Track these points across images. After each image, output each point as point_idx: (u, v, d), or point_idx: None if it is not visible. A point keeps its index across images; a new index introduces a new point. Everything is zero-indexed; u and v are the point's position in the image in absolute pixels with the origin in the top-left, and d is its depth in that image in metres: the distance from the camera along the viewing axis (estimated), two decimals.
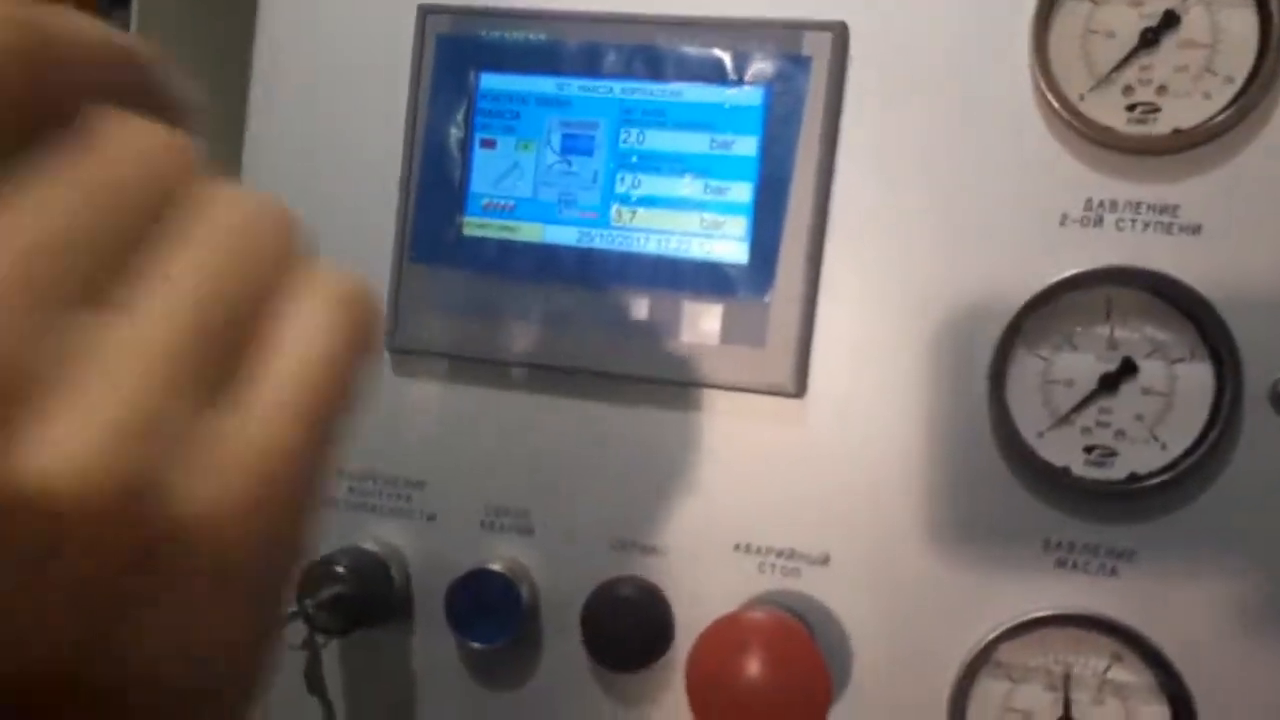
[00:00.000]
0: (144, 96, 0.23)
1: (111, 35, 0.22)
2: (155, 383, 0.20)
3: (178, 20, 0.61)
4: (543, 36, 0.46)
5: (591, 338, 0.46)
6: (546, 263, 0.46)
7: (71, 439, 0.19)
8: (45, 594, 0.19)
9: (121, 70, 0.23)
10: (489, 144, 0.47)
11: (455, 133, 0.47)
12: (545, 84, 0.47)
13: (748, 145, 0.44)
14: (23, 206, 0.20)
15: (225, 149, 0.52)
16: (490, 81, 0.47)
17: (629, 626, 0.45)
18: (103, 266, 0.20)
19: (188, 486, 0.20)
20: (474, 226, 0.47)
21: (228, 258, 0.21)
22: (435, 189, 0.47)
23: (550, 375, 0.46)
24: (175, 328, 0.20)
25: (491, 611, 0.46)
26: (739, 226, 0.44)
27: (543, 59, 0.46)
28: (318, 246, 0.24)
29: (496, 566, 0.46)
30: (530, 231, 0.47)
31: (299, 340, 0.22)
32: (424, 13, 0.47)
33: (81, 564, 0.19)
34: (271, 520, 0.22)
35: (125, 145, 0.21)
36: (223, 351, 0.21)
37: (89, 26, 0.22)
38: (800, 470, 0.44)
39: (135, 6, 0.59)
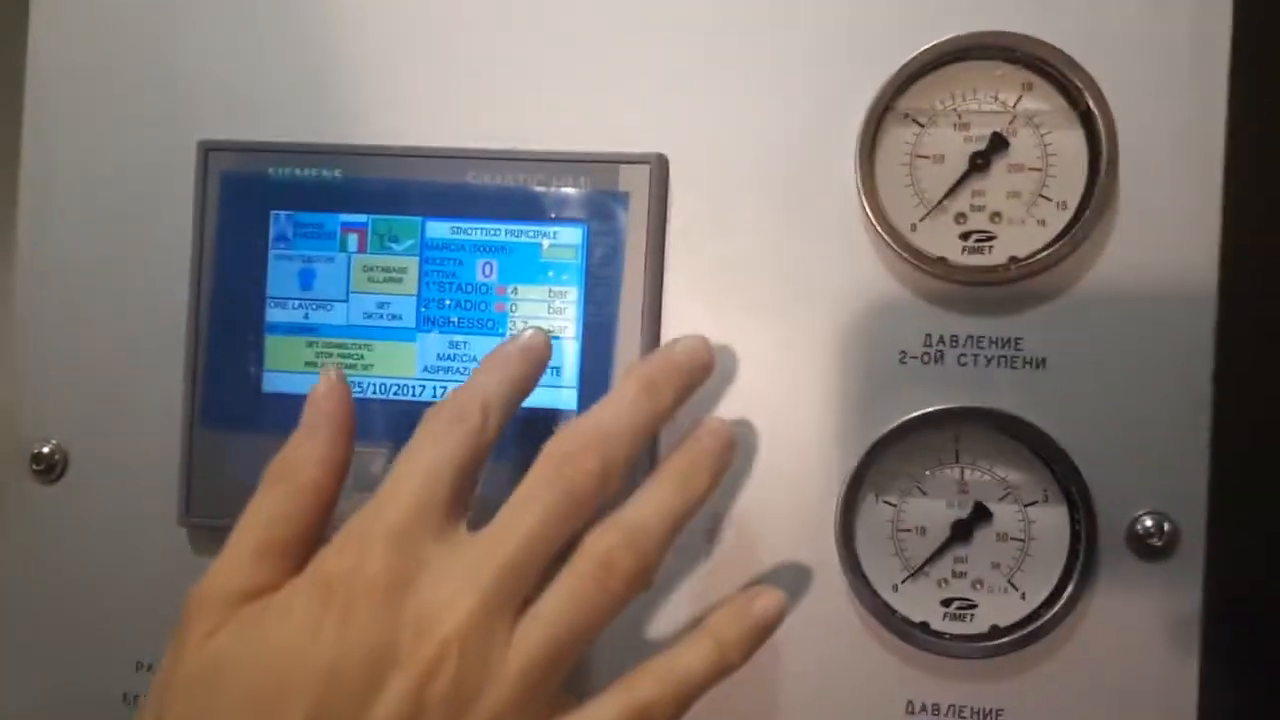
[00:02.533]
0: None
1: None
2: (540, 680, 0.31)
3: None
4: (338, 174, 0.42)
5: None
6: (359, 419, 0.42)
7: None
8: None
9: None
10: None
11: (248, 279, 0.42)
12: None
13: (569, 287, 0.41)
14: (505, 528, 0.32)
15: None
16: (284, 224, 0.42)
17: None
18: (532, 582, 0.32)
19: (511, 652, 0.32)
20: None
21: (596, 595, 0.32)
22: (228, 343, 0.42)
23: None
24: (548, 649, 0.31)
25: None
26: (565, 375, 0.41)
27: (340, 198, 0.42)
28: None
29: None
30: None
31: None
32: (205, 149, 0.43)
33: None
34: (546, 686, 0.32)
35: (568, 485, 0.33)
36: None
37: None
38: (649, 631, 0.40)
39: None
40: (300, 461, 0.35)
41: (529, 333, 0.37)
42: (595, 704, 0.32)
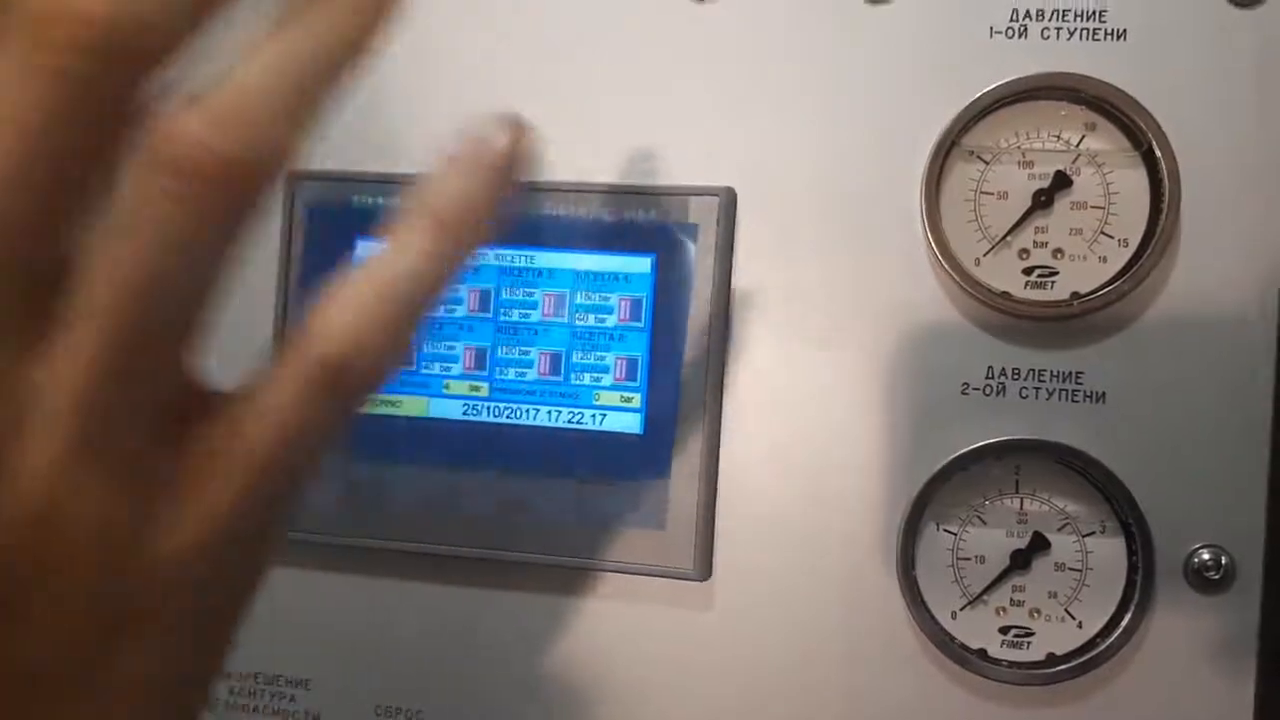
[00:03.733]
0: None
1: None
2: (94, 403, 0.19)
3: None
4: None
5: (481, 520, 0.43)
6: (431, 439, 0.43)
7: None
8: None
9: None
10: None
11: None
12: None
13: (638, 315, 0.42)
14: None
15: None
16: (367, 250, 0.44)
17: None
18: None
19: (167, 522, 0.20)
20: None
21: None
22: None
23: (442, 562, 0.43)
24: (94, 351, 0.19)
25: None
26: (632, 400, 0.42)
27: None
28: None
29: None
30: (413, 405, 0.44)
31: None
32: (291, 179, 0.45)
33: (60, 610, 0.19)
34: (237, 558, 0.21)
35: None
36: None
37: None
38: (710, 656, 0.42)
39: None
40: None
41: None
42: (261, 381, 0.22)
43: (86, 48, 0.18)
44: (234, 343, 0.44)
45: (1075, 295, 0.39)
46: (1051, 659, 0.39)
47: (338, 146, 0.45)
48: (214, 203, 0.19)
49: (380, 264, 0.22)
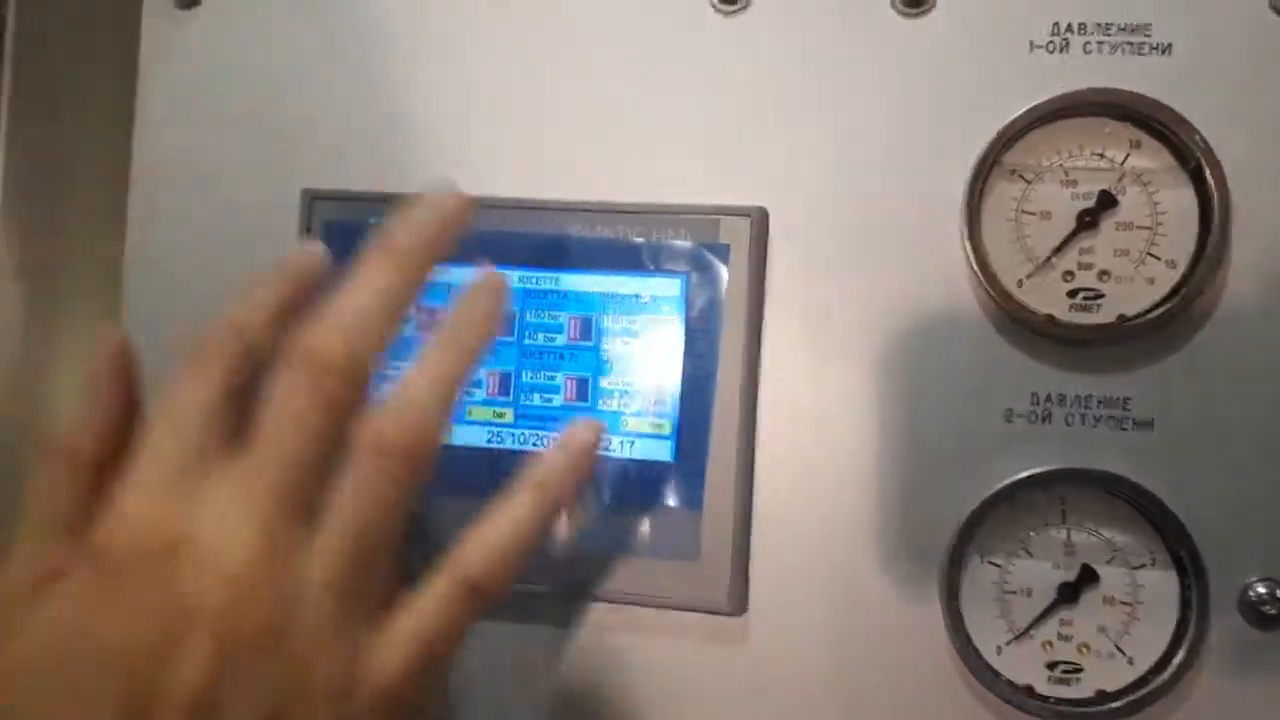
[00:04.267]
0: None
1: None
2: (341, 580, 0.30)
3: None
4: None
5: None
6: (456, 467, 0.42)
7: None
8: None
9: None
10: None
11: None
12: (444, 274, 0.42)
13: (667, 339, 0.41)
14: (267, 448, 0.30)
15: None
16: None
17: None
18: (311, 489, 0.30)
19: (379, 655, 0.30)
20: None
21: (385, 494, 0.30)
22: None
23: None
24: (348, 551, 0.30)
25: None
26: (662, 427, 0.41)
27: None
28: None
29: None
30: None
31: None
32: (310, 198, 0.43)
33: None
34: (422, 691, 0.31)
35: (322, 393, 0.30)
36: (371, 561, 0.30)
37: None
38: (746, 694, 0.40)
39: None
40: (73, 434, 0.32)
41: (295, 254, 0.35)
42: (426, 589, 0.31)
43: (339, 380, 0.30)
44: None
45: (1122, 318, 0.38)
46: (1101, 696, 0.38)
47: (355, 166, 0.44)
48: (401, 474, 0.30)
49: (516, 515, 0.33)
